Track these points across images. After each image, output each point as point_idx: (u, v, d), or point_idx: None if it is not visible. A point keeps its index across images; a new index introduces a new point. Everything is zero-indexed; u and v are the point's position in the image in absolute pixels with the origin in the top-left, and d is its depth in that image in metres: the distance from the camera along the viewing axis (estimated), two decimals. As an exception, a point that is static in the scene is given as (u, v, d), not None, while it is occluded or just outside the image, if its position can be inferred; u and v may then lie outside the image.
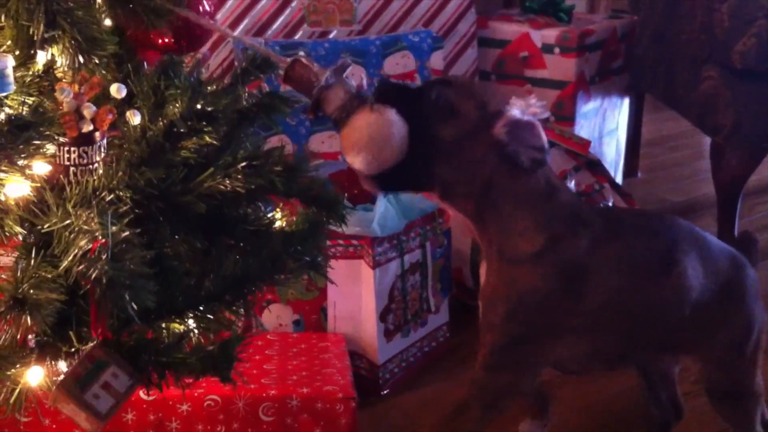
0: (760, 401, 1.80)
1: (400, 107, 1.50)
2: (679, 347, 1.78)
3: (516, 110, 1.53)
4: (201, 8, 1.43)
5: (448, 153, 1.53)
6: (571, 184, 2.50)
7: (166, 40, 1.35)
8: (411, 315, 2.23)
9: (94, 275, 1.08)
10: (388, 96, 1.54)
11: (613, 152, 3.26)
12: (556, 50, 2.91)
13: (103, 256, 1.09)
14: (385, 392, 2.16)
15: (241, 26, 2.64)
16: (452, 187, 1.56)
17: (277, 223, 1.49)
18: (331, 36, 2.76)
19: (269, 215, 1.48)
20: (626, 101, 3.30)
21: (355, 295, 2.14)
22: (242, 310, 1.34)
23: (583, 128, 2.97)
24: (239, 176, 1.29)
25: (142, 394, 1.70)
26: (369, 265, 2.11)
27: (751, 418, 1.79)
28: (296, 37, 2.71)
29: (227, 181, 1.28)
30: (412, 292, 2.22)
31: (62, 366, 1.26)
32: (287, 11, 2.71)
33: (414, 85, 1.59)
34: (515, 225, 1.55)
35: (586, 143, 2.55)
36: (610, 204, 2.51)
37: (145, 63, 1.42)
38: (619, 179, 3.35)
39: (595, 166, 2.59)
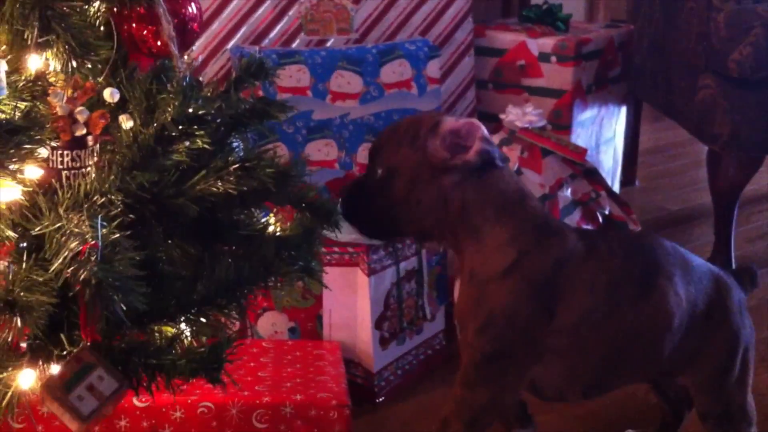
0: (752, 423, 1.78)
1: (365, 202, 1.60)
2: (662, 373, 1.76)
3: (447, 120, 1.51)
4: (187, 11, 1.43)
5: (410, 210, 1.55)
6: (568, 192, 2.50)
7: (158, 43, 1.35)
8: (406, 323, 2.23)
9: (83, 277, 1.08)
10: (352, 199, 1.63)
11: (610, 161, 3.26)
12: (553, 59, 2.91)
13: (93, 258, 1.09)
14: (380, 400, 2.15)
15: (239, 34, 2.65)
16: (425, 233, 1.60)
17: (271, 228, 1.50)
18: (328, 44, 2.77)
19: (263, 220, 1.48)
20: (623, 110, 3.30)
21: (351, 303, 2.14)
22: (235, 314, 1.34)
23: (580, 137, 2.98)
24: (231, 179, 1.29)
25: (135, 400, 1.70)
26: (364, 273, 2.11)
27: None
28: (293, 45, 2.72)
29: (219, 184, 1.29)
30: (407, 299, 2.22)
31: (54, 369, 1.26)
32: (284, 19, 2.71)
33: (361, 175, 1.68)
34: (492, 241, 1.55)
35: (582, 151, 2.55)
36: (607, 212, 2.52)
37: (138, 68, 1.42)
38: (616, 188, 3.35)
39: (592, 175, 2.59)
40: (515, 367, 1.59)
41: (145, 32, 1.36)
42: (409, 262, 2.21)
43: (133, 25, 1.36)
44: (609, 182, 2.89)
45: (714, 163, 2.79)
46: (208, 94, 1.34)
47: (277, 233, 1.50)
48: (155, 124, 1.26)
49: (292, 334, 2.22)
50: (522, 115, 2.55)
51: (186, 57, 1.54)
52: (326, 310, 2.17)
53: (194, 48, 2.46)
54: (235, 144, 1.42)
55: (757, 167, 2.71)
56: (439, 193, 1.52)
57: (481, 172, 1.52)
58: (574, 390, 1.68)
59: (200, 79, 1.38)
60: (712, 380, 1.73)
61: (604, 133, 3.17)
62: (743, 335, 1.73)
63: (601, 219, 2.48)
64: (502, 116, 2.57)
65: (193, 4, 1.44)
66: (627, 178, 3.59)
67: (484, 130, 1.51)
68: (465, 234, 1.55)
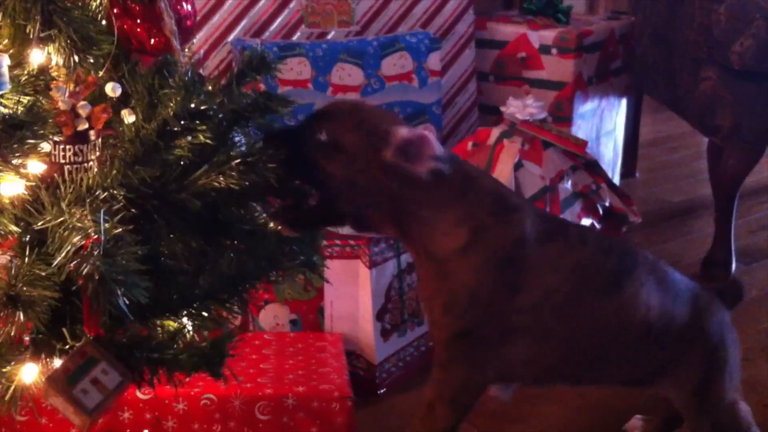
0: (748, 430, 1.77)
1: (288, 151, 1.47)
2: (636, 381, 1.75)
3: (402, 128, 1.50)
4: (183, 8, 1.43)
5: (344, 188, 1.51)
6: (568, 184, 2.50)
7: (161, 39, 1.35)
8: (408, 314, 2.24)
9: (85, 271, 1.09)
10: (274, 143, 1.48)
11: (610, 153, 3.26)
12: (554, 51, 2.91)
13: (95, 252, 1.09)
14: (382, 391, 2.16)
15: (240, 27, 2.65)
16: (362, 218, 1.55)
17: (272, 224, 1.50)
18: (329, 37, 2.77)
19: (265, 215, 1.49)
20: (624, 102, 3.31)
21: (352, 295, 2.15)
22: (237, 308, 1.35)
23: (580, 129, 2.98)
24: (233, 173, 1.29)
25: (138, 393, 1.71)
26: (366, 265, 2.12)
27: None
28: (294, 38, 2.72)
29: (221, 179, 1.29)
30: (408, 291, 2.23)
31: (57, 363, 1.26)
32: (285, 12, 2.71)
33: (295, 126, 1.58)
34: (437, 227, 1.53)
35: (583, 143, 2.55)
36: (607, 204, 2.52)
37: (140, 63, 1.42)
38: (616, 180, 3.35)
39: (593, 167, 2.60)
40: (485, 343, 1.59)
41: (145, 29, 1.36)
42: (409, 255, 2.21)
43: (138, 21, 1.36)
44: (609, 174, 2.89)
45: (714, 155, 2.79)
46: (210, 89, 1.34)
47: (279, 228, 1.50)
48: (157, 119, 1.26)
49: (293, 326, 2.22)
50: (523, 107, 2.55)
51: (187, 50, 1.54)
52: (328, 302, 2.17)
53: (195, 41, 2.47)
54: (237, 139, 1.42)
55: (758, 159, 2.71)
56: (376, 183, 1.50)
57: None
58: (534, 372, 1.67)
59: (202, 73, 1.37)
60: (692, 397, 1.72)
61: (604, 125, 3.17)
62: (721, 355, 1.71)
63: (601, 211, 2.49)
64: (503, 109, 2.57)
65: (187, 2, 1.44)
66: (627, 169, 3.60)
67: (435, 146, 1.50)
68: (410, 222, 1.54)
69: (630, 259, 1.64)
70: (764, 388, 2.05)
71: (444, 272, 1.55)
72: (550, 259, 1.57)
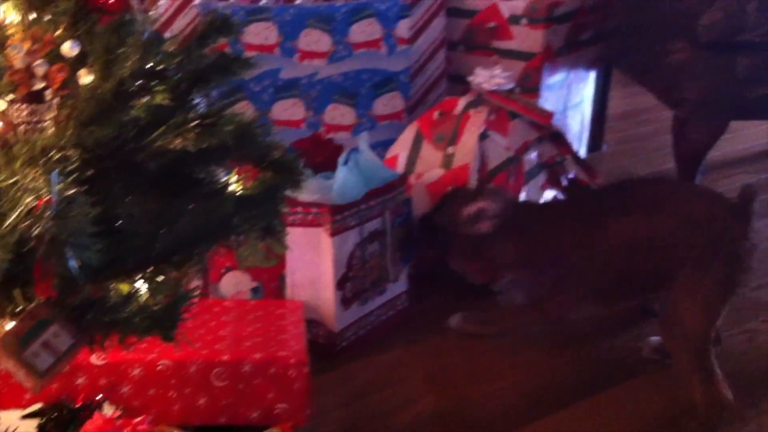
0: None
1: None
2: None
3: (468, 207, 2.18)
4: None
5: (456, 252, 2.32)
6: (534, 155, 2.50)
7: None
8: (369, 283, 2.23)
9: (37, 232, 1.07)
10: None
11: (578, 125, 3.27)
12: (524, 21, 2.90)
13: (47, 214, 1.07)
14: (342, 357, 2.17)
15: (206, -10, 2.62)
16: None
17: (232, 187, 1.48)
18: (297, 1, 2.74)
19: (224, 178, 1.47)
20: (593, 75, 3.30)
21: (314, 263, 2.14)
22: (193, 272, 1.33)
23: (548, 100, 2.98)
24: (190, 135, 1.27)
25: (93, 358, 1.69)
26: (328, 233, 2.10)
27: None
28: (262, 1, 2.69)
29: (178, 140, 1.27)
30: (371, 260, 2.22)
31: (8, 326, 1.25)
32: (253, -25, 2.68)
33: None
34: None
35: (549, 115, 2.55)
36: (572, 176, 2.52)
37: (98, 22, 1.40)
38: (583, 152, 3.36)
39: (559, 138, 2.60)
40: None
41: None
42: (372, 223, 2.21)
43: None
44: (576, 146, 2.89)
45: (679, 128, 2.80)
46: (169, 49, 1.32)
47: (239, 192, 1.49)
48: (114, 79, 1.24)
49: (255, 294, 2.21)
50: (490, 77, 2.54)
51: (153, 11, 1.51)
52: (289, 270, 2.16)
53: (161, 2, 2.43)
54: (196, 101, 1.40)
55: (721, 132, 2.73)
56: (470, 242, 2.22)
57: None
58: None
59: (161, 34, 1.35)
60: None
61: (572, 97, 3.17)
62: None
63: (566, 182, 2.49)
64: (470, 78, 2.56)
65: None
66: (594, 142, 3.60)
67: (490, 207, 2.16)
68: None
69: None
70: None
71: None
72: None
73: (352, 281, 2.18)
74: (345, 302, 2.17)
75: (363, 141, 2.29)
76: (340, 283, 2.15)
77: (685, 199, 2.02)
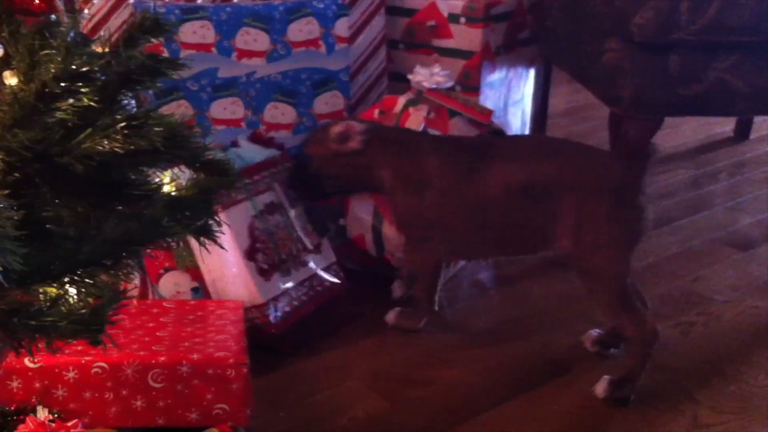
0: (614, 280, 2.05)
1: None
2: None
3: (334, 126, 2.27)
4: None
5: (331, 182, 2.35)
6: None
7: (38, 1, 1.31)
8: (285, 254, 2.27)
9: (-44, 237, 1.06)
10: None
11: (518, 122, 3.29)
12: (462, 20, 2.92)
13: (-33, 218, 1.06)
14: (282, 353, 2.18)
15: (143, -11, 2.59)
16: (349, 189, 2.41)
17: (165, 188, 1.48)
18: (234, 0, 2.73)
19: (156, 180, 1.46)
20: (532, 72, 3.33)
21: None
22: (123, 274, 1.32)
23: (488, 98, 3.00)
24: (118, 137, 1.26)
25: (27, 361, 1.68)
26: (220, 209, 2.11)
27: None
28: (198, 0, 2.67)
29: (105, 142, 1.26)
30: (277, 231, 2.27)
31: (-66, 331, 1.23)
32: (190, -25, 2.67)
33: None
34: (382, 175, 2.29)
35: (488, 112, 2.57)
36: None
37: (23, 24, 1.38)
38: (524, 149, 3.37)
39: (499, 135, 2.62)
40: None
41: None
42: (265, 197, 2.28)
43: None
44: (515, 143, 2.91)
45: (615, 125, 2.84)
46: (95, 50, 1.31)
47: (172, 193, 1.48)
48: (36, 81, 1.23)
49: (195, 294, 2.20)
50: (430, 75, 2.56)
51: (87, 11, 1.50)
52: (199, 258, 2.17)
53: (94, 1, 2.41)
54: (125, 102, 1.39)
55: (656, 129, 2.77)
56: (343, 166, 2.29)
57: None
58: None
59: (87, 35, 1.34)
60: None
61: (512, 95, 3.19)
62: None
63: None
64: (410, 76, 2.57)
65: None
66: (536, 139, 3.63)
67: (358, 126, 2.25)
68: (370, 178, 2.28)
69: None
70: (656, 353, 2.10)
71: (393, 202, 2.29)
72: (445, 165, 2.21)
73: (263, 252, 2.22)
74: (263, 273, 2.20)
75: (242, 138, 2.45)
76: (249, 254, 2.19)
77: (572, 149, 2.16)
